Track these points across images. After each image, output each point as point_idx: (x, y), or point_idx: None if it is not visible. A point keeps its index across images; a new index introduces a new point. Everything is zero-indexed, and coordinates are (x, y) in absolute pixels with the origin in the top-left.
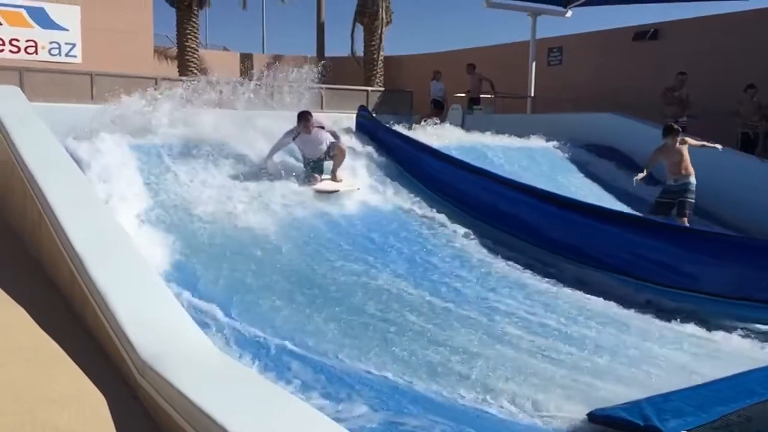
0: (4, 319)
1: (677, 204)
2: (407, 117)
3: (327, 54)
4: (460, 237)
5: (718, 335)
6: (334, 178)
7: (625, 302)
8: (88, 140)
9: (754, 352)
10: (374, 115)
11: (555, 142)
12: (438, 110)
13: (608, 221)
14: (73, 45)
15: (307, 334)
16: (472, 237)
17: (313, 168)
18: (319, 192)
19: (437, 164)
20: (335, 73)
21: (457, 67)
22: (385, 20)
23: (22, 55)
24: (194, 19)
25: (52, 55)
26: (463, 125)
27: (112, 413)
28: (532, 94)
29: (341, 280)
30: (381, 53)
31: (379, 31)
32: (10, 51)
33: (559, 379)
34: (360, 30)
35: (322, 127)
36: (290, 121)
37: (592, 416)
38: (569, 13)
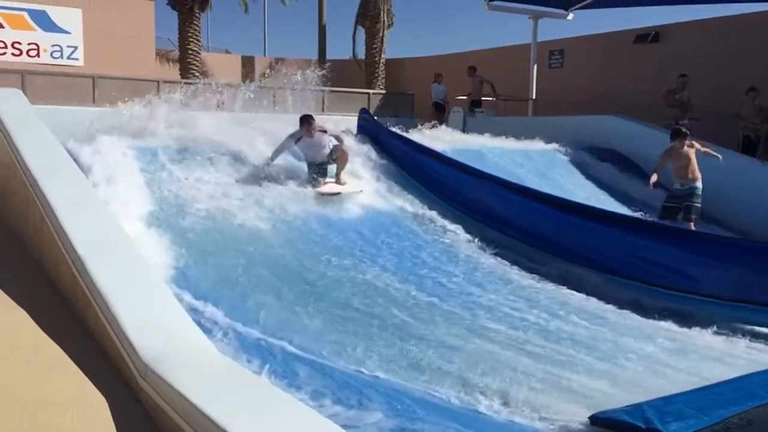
0: (5, 321)
1: (683, 208)
2: (408, 120)
3: (328, 57)
4: (467, 243)
5: (719, 337)
6: (338, 181)
7: (611, 299)
8: (90, 142)
9: (755, 354)
10: (375, 117)
11: (556, 145)
12: (439, 113)
13: (608, 223)
14: (75, 48)
15: (296, 331)
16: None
17: (317, 171)
18: (322, 195)
19: (438, 167)
20: (337, 75)
21: (459, 70)
22: (386, 23)
23: (24, 57)
24: (196, 22)
25: (54, 57)
26: (465, 128)
27: (113, 416)
28: (534, 97)
29: (332, 275)
30: (382, 56)
31: (381, 34)
32: (12, 54)
33: (543, 374)
34: (361, 33)
35: (325, 131)
36: (293, 124)
37: (594, 419)
38: (570, 16)
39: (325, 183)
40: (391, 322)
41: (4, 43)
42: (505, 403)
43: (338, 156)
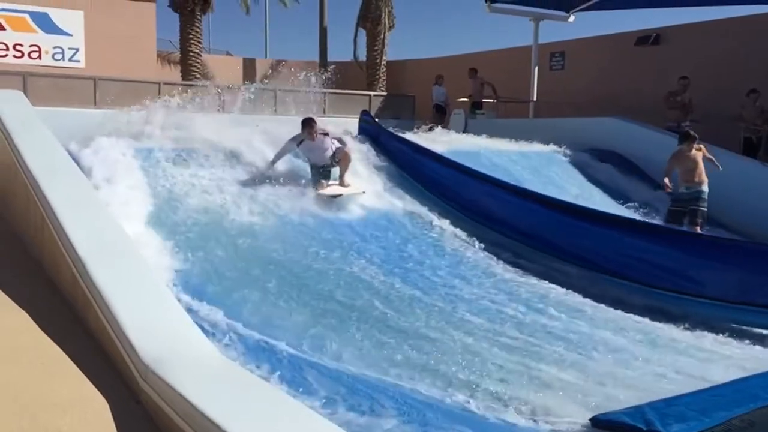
0: (5, 321)
1: (689, 212)
2: (410, 121)
3: (330, 59)
4: (477, 250)
5: (687, 332)
6: (341, 183)
7: (591, 294)
8: (91, 144)
9: (718, 348)
10: (377, 119)
11: (557, 147)
12: (440, 115)
13: (606, 225)
14: (77, 50)
15: (281, 325)
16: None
17: (320, 174)
18: (325, 196)
19: (438, 168)
20: (338, 77)
21: (460, 72)
22: (387, 25)
23: (25, 59)
24: (197, 24)
25: (56, 59)
26: (466, 130)
27: (114, 417)
28: (534, 99)
29: (333, 272)
30: (384, 58)
31: (382, 36)
32: (14, 56)
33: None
34: (363, 35)
35: (327, 134)
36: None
37: (595, 421)
38: (571, 18)
39: (328, 185)
40: (372, 314)
41: (5, 45)
42: (472, 396)
43: (341, 158)
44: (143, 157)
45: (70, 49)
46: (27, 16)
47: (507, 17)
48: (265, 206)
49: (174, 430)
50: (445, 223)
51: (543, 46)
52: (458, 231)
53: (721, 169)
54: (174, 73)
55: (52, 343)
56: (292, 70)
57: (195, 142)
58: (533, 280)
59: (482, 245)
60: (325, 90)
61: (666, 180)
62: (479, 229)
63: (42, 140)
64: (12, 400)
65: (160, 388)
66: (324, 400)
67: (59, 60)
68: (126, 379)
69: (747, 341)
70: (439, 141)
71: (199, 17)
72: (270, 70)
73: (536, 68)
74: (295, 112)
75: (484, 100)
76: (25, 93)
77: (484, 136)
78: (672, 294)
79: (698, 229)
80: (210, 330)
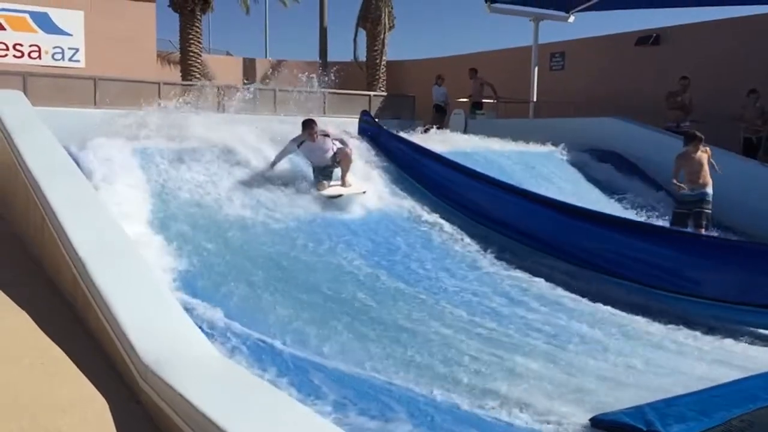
0: (6, 322)
1: (693, 215)
2: (410, 122)
3: (330, 59)
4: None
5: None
6: (343, 184)
7: (575, 288)
8: (91, 144)
9: (691, 341)
10: (377, 119)
11: (557, 147)
12: (440, 115)
13: (605, 225)
14: (77, 50)
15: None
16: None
17: (322, 175)
18: (325, 197)
19: (438, 168)
20: (338, 77)
21: (460, 72)
22: (387, 25)
23: (25, 59)
24: (197, 24)
25: (56, 59)
26: (466, 130)
27: (114, 417)
28: (534, 99)
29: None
30: (384, 58)
31: (382, 36)
32: (14, 56)
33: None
34: (363, 35)
35: (327, 135)
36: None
37: (595, 421)
38: (571, 18)
39: (330, 186)
40: (354, 305)
41: (5, 44)
42: (449, 389)
43: (341, 158)
44: (143, 157)
45: (70, 49)
46: (27, 16)
47: (507, 17)
48: (266, 206)
49: (174, 431)
50: (448, 225)
51: (543, 46)
52: (465, 236)
53: (719, 171)
54: (174, 73)
55: (52, 344)
56: (294, 71)
57: (195, 142)
58: (517, 273)
59: (493, 254)
60: (324, 90)
61: (675, 180)
62: (475, 227)
63: (42, 140)
64: (12, 401)
65: (160, 388)
66: (302, 394)
67: (59, 60)
68: (126, 380)
69: (719, 335)
70: (443, 141)
71: (199, 17)
72: (270, 70)
73: (536, 68)
74: (295, 112)
75: (484, 100)
76: (25, 93)
77: (488, 137)
78: (670, 294)
79: (703, 232)
80: (209, 330)
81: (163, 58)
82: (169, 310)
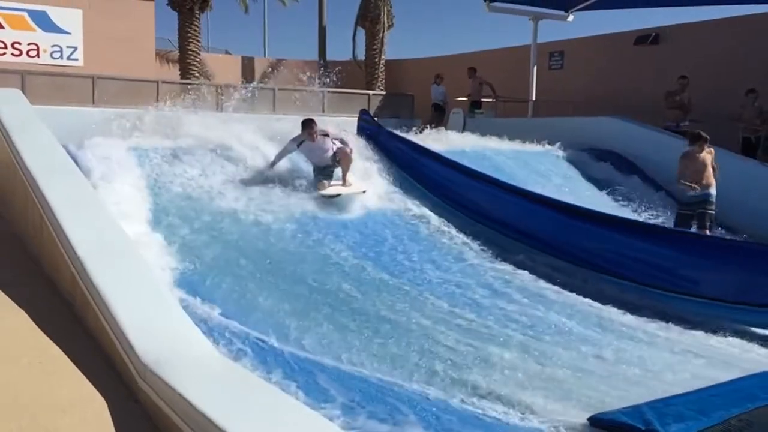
0: (5, 321)
1: (697, 216)
2: (409, 121)
3: (329, 58)
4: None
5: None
6: (344, 183)
7: (557, 281)
8: (89, 143)
9: (663, 332)
10: (376, 118)
11: (556, 146)
12: (439, 114)
13: (605, 225)
14: (75, 48)
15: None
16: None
17: (323, 175)
18: (325, 197)
19: (436, 167)
20: (338, 77)
21: (459, 71)
22: (386, 24)
23: (24, 58)
24: (196, 23)
25: (54, 58)
26: (464, 129)
27: (112, 416)
28: (534, 98)
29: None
30: (382, 57)
31: (381, 35)
32: (12, 54)
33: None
34: (361, 34)
35: (327, 135)
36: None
37: (593, 420)
38: (571, 17)
39: (330, 185)
40: (338, 296)
41: (4, 43)
42: (427, 382)
43: (341, 158)
44: (142, 156)
45: (68, 47)
46: (25, 15)
47: (506, 16)
48: (266, 205)
49: (172, 430)
50: (445, 223)
51: (542, 45)
52: (467, 236)
53: (718, 175)
54: (173, 72)
55: (51, 343)
56: (294, 71)
57: (194, 141)
58: (502, 266)
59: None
60: (323, 89)
61: (683, 181)
62: (476, 226)
63: (40, 139)
64: (11, 400)
65: (159, 387)
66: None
67: (57, 58)
68: (125, 379)
69: (688, 326)
70: (442, 140)
71: (197, 16)
72: (269, 69)
73: (535, 67)
74: (294, 111)
75: (483, 99)
76: (23, 91)
77: (487, 136)
78: (669, 293)
79: (707, 233)
80: (206, 327)
81: (162, 56)
82: (169, 309)
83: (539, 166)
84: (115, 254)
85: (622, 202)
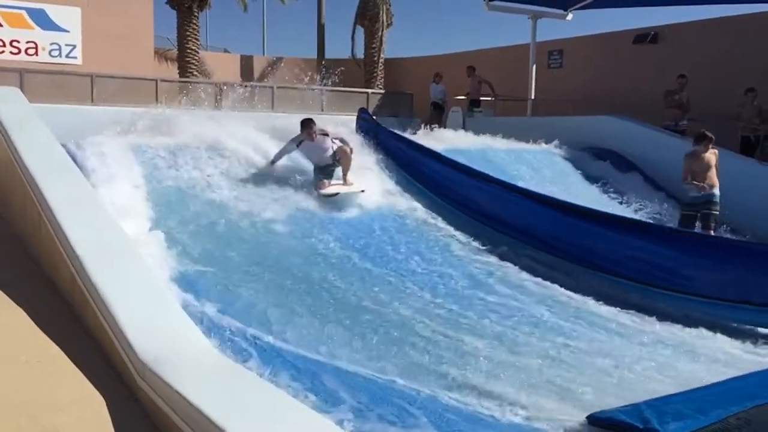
0: (4, 321)
1: (701, 216)
2: (408, 119)
3: (327, 56)
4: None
5: (609, 307)
6: (345, 182)
7: (538, 272)
8: (88, 141)
9: (638, 324)
10: (375, 117)
11: (555, 145)
12: (438, 113)
13: (605, 224)
14: (74, 46)
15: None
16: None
17: (323, 175)
18: (324, 196)
19: (436, 166)
20: (337, 75)
21: (458, 70)
22: (385, 23)
23: (22, 56)
24: (195, 21)
25: (53, 56)
26: (464, 127)
27: (111, 415)
28: (533, 97)
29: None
30: (381, 55)
31: (380, 34)
32: (11, 52)
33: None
34: (360, 32)
35: (327, 134)
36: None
37: (592, 419)
38: (570, 16)
39: (330, 185)
40: (320, 286)
41: (2, 41)
42: (403, 374)
43: (340, 157)
44: (141, 155)
45: (67, 45)
46: (24, 13)
47: (505, 15)
48: (267, 205)
49: (171, 428)
50: (450, 226)
51: (541, 44)
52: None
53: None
54: (171, 70)
55: (51, 342)
56: (295, 71)
57: (193, 139)
58: (486, 258)
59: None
60: (322, 87)
61: (689, 180)
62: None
63: (39, 137)
64: (10, 399)
65: (158, 386)
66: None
67: (56, 56)
68: (124, 378)
69: (655, 316)
70: (441, 139)
71: (196, 14)
72: (268, 67)
73: (534, 66)
74: (293, 109)
75: (482, 98)
76: (21, 90)
77: (486, 135)
78: (668, 293)
79: (711, 233)
80: (206, 329)
81: (161, 55)
82: (168, 308)
83: (538, 165)
84: (114, 253)
85: (620, 201)
